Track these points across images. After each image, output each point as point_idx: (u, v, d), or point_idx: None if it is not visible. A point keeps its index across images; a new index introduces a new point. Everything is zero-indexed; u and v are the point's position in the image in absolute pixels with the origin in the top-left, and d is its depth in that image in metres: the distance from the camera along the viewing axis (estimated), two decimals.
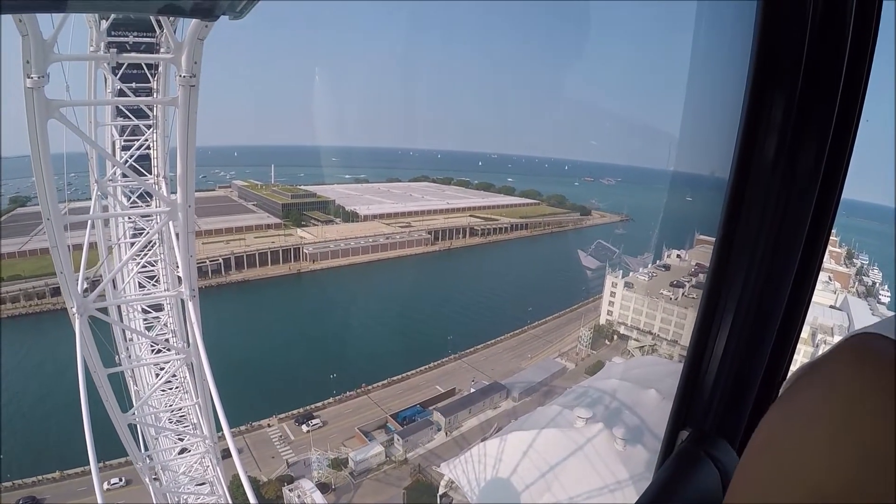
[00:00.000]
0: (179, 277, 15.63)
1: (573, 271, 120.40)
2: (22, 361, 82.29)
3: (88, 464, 13.16)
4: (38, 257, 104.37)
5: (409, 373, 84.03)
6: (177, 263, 15.52)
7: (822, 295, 78.41)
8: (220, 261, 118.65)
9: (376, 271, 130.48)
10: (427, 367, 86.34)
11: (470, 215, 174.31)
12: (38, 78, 10.34)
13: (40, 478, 59.47)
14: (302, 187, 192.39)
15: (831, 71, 2.64)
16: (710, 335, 3.31)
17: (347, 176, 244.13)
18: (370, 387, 79.68)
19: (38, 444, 62.84)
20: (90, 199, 19.84)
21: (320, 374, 77.21)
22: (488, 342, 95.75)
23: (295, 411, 73.30)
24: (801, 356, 65.14)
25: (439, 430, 69.57)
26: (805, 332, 68.51)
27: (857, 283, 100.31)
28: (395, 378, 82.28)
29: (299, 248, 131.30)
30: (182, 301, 15.92)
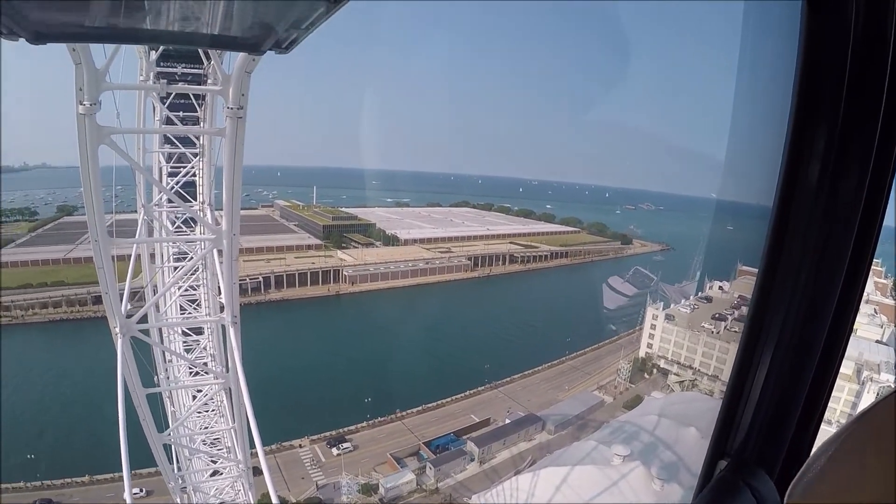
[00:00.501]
0: (222, 303, 15.69)
1: (613, 301, 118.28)
2: (62, 365, 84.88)
3: (115, 471, 13.56)
4: (82, 265, 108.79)
5: (444, 400, 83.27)
6: (219, 289, 15.61)
7: (868, 329, 74.79)
8: (261, 279, 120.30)
9: (415, 296, 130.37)
10: (463, 395, 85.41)
11: (510, 242, 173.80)
12: (91, 105, 10.57)
13: (69, 480, 60.41)
14: (343, 209, 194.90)
15: (872, 100, 2.65)
16: (751, 365, 3.34)
17: (389, 200, 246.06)
18: (404, 413, 79.03)
19: (70, 447, 64.12)
20: (136, 211, 21.11)
21: (355, 397, 77.21)
22: (525, 372, 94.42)
23: (327, 433, 73.05)
24: (846, 393, 62.47)
25: (472, 460, 68.52)
26: (850, 369, 65.66)
27: None
28: (429, 405, 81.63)
29: (339, 269, 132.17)
30: (223, 327, 15.99)
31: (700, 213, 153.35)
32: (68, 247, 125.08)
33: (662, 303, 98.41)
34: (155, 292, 24.11)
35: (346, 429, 74.17)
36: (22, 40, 3.15)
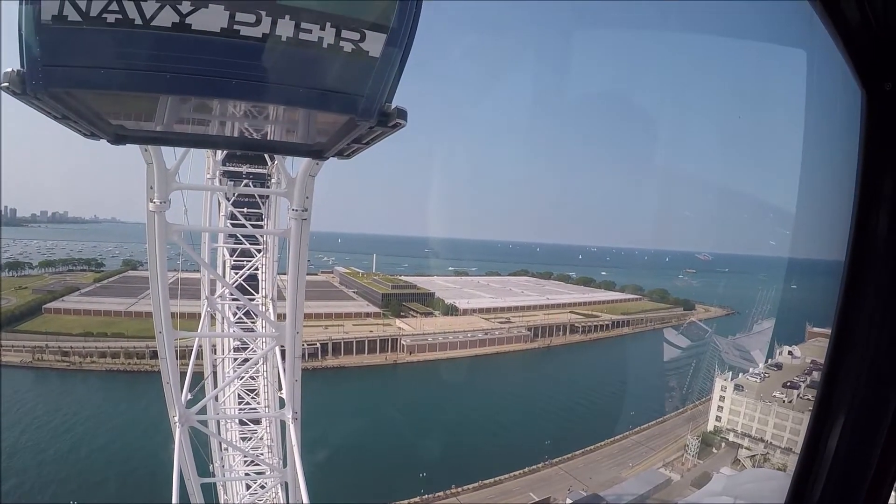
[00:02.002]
0: (281, 397, 15.99)
1: (678, 371, 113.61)
2: (114, 415, 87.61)
3: None
4: (142, 319, 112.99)
5: (501, 476, 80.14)
6: (280, 383, 15.98)
7: None
8: (318, 345, 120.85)
9: (474, 367, 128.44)
10: (521, 471, 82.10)
11: (570, 311, 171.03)
12: (161, 203, 11.24)
13: None
14: (402, 277, 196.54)
15: None
16: (820, 438, 3.27)
17: (450, 268, 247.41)
18: (460, 489, 76.44)
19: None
20: (198, 271, 22.59)
21: (410, 470, 75.27)
22: (587, 448, 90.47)
23: None
24: None
25: None
26: None
27: None
28: (486, 481, 78.62)
29: (397, 338, 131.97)
30: (283, 422, 16.24)
31: (762, 273, 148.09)
32: (131, 300, 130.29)
33: (731, 372, 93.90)
34: (215, 383, 24.64)
35: (397, 502, 71.96)
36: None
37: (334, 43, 3.14)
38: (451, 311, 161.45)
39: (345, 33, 3.14)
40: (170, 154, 11.70)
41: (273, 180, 18.36)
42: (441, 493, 74.83)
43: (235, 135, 4.19)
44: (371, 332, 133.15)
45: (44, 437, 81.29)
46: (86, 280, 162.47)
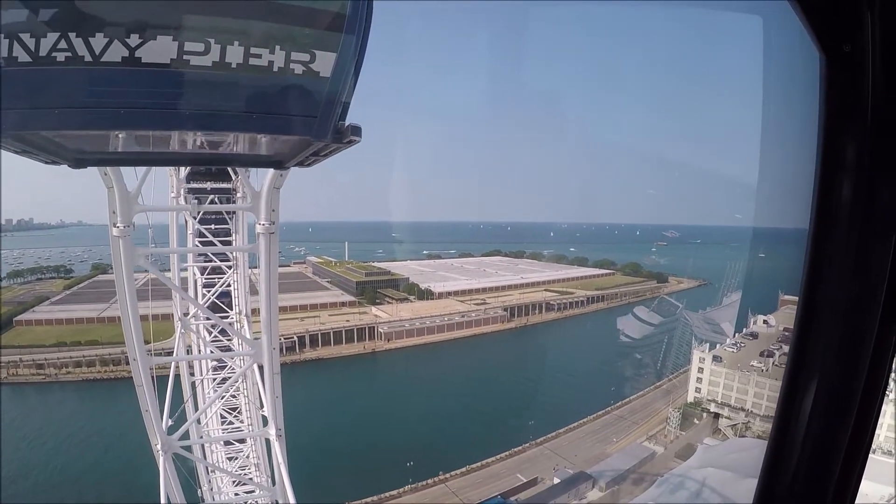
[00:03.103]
0: (264, 415, 15.78)
1: (655, 344, 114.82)
2: (91, 426, 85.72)
3: None
4: (116, 324, 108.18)
5: (488, 460, 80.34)
6: (261, 401, 15.78)
7: None
8: (295, 338, 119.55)
9: (452, 350, 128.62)
10: (507, 453, 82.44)
11: (545, 289, 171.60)
12: (125, 227, 11.03)
13: None
14: (375, 264, 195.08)
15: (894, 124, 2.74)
16: (793, 406, 3.29)
17: (425, 252, 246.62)
18: (448, 475, 76.41)
19: None
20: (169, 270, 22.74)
21: (396, 460, 74.90)
22: (571, 425, 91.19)
23: (368, 499, 70.89)
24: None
25: None
26: None
27: None
28: (473, 465, 78.74)
29: (374, 326, 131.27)
30: (268, 440, 15.95)
31: (733, 244, 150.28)
32: (102, 305, 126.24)
33: (708, 344, 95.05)
34: (195, 406, 24.17)
35: (388, 493, 71.77)
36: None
37: (284, 66, 3.15)
38: (426, 295, 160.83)
39: (294, 55, 3.16)
40: (131, 175, 11.61)
41: (238, 195, 18.30)
42: (430, 481, 74.67)
43: (196, 150, 4.07)
44: (347, 321, 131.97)
45: (21, 456, 78.90)
46: (56, 288, 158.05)
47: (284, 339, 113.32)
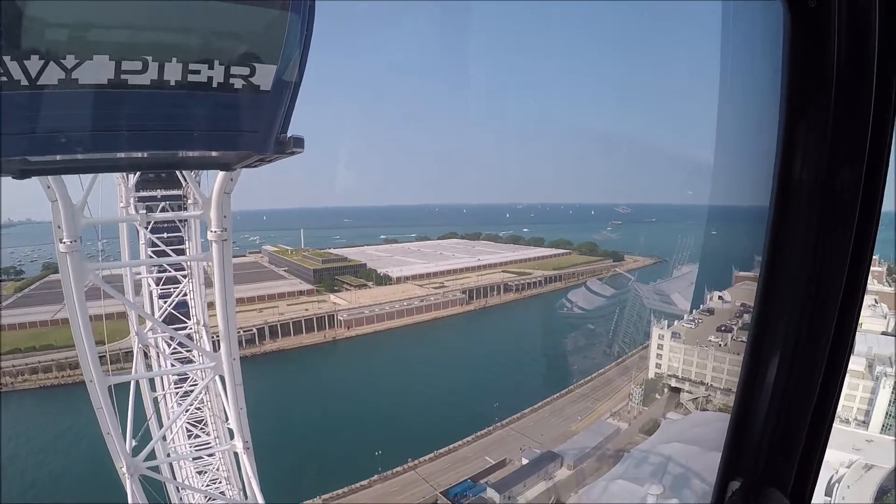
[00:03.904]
0: (230, 428, 15.26)
1: (614, 322, 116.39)
2: (53, 434, 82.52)
3: None
4: (70, 326, 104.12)
5: (455, 444, 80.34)
6: (226, 414, 15.18)
7: (873, 321, 73.52)
8: (255, 330, 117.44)
9: (413, 335, 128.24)
10: (473, 436, 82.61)
11: (502, 271, 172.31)
12: (72, 242, 10.53)
13: None
14: (332, 251, 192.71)
15: (861, 90, 2.67)
16: (756, 377, 3.31)
17: (382, 237, 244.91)
18: (417, 461, 76.03)
19: None
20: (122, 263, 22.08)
21: (364, 449, 74.15)
22: (535, 405, 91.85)
23: (340, 491, 69.94)
24: (861, 391, 61.16)
25: None
26: (861, 365, 64.24)
27: None
28: (441, 450, 78.64)
29: (333, 314, 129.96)
30: (237, 454, 15.32)
31: (688, 221, 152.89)
32: (55, 307, 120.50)
33: (666, 320, 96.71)
34: (159, 423, 23.57)
35: (358, 484, 71.03)
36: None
37: (224, 81, 3.07)
38: (384, 280, 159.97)
39: (234, 69, 3.08)
40: (75, 184, 11.17)
41: (190, 201, 17.97)
42: (399, 468, 74.22)
43: (144, 155, 3.88)
44: (306, 310, 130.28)
45: None
46: (6, 291, 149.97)
47: (243, 331, 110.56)
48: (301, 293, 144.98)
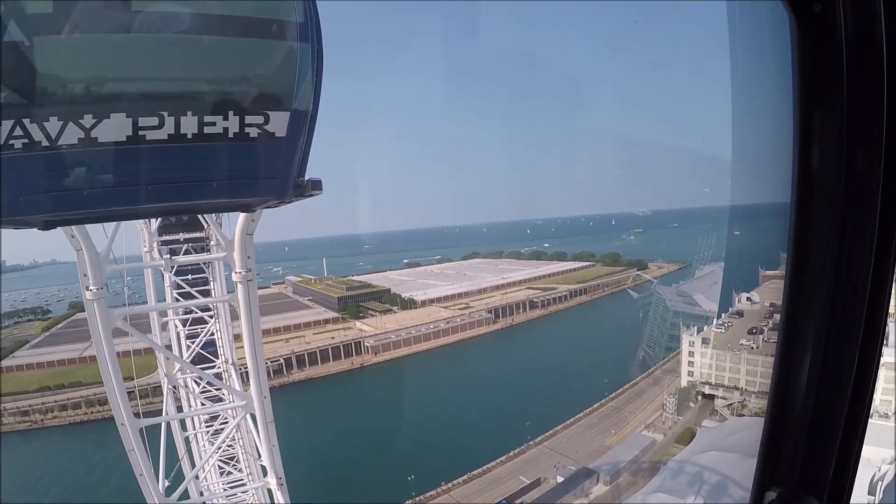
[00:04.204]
0: (263, 465, 15.19)
1: (641, 330, 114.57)
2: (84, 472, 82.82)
3: None
4: (97, 363, 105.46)
5: (489, 465, 79.27)
6: (258, 451, 15.24)
7: None
8: (282, 361, 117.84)
9: (441, 358, 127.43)
10: (507, 456, 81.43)
11: (527, 287, 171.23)
12: (98, 290, 10.68)
13: None
14: (355, 278, 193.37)
15: (874, 81, 2.65)
16: (787, 383, 3.26)
17: (405, 261, 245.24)
18: (450, 484, 75.12)
19: None
20: (146, 302, 22.43)
21: (397, 475, 73.65)
22: (567, 422, 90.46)
23: None
24: None
25: None
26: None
27: None
28: (475, 472, 77.58)
29: (360, 341, 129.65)
30: (270, 491, 15.39)
31: (709, 224, 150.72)
32: (83, 345, 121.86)
33: (695, 326, 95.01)
34: (191, 462, 23.44)
35: None
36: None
37: (240, 130, 3.13)
38: (409, 304, 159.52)
39: (248, 119, 3.14)
40: (99, 232, 11.52)
41: (212, 242, 18.36)
42: (433, 493, 73.44)
43: (161, 204, 3.85)
44: (333, 338, 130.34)
45: None
46: (34, 330, 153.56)
47: (271, 361, 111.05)
48: (327, 321, 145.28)
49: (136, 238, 20.28)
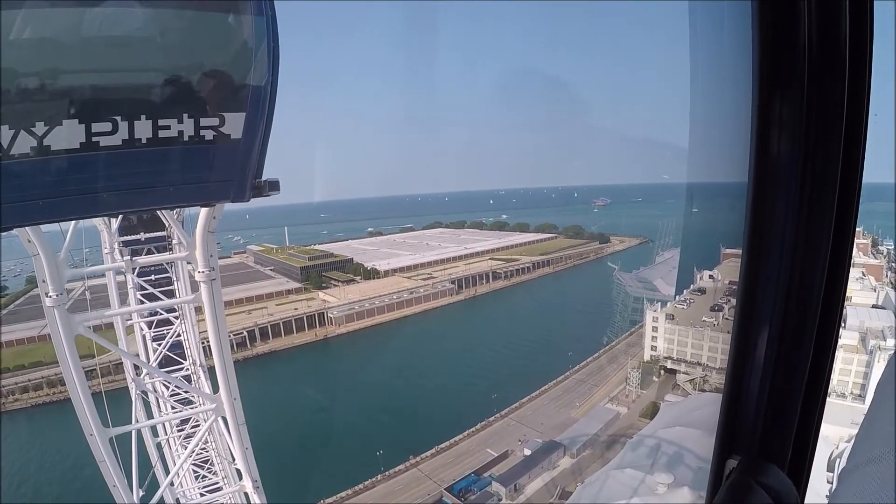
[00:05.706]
0: (238, 469, 14.92)
1: (604, 304, 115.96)
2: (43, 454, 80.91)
3: None
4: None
5: (456, 438, 79.84)
6: (232, 454, 14.92)
7: (862, 294, 73.67)
8: (245, 333, 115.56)
9: (405, 328, 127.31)
10: (473, 429, 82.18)
11: (490, 258, 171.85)
12: (58, 296, 10.19)
13: None
14: (317, 247, 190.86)
15: (834, 62, 2.65)
16: (746, 353, 3.30)
17: (369, 229, 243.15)
18: (418, 458, 75.47)
19: None
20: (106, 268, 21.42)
21: (364, 449, 73.49)
22: (532, 394, 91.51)
23: (343, 493, 69.18)
24: (856, 365, 61.44)
25: (500, 500, 65.48)
26: (854, 339, 64.47)
27: (890, 273, 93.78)
28: (442, 445, 78.06)
29: (323, 312, 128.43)
30: (247, 494, 15.20)
31: (671, 200, 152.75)
32: (42, 322, 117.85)
33: (659, 302, 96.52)
34: (165, 469, 22.59)
35: (362, 485, 70.32)
36: None
37: (194, 133, 3.07)
38: (372, 274, 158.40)
39: (203, 121, 3.08)
40: (55, 230, 11.11)
41: (174, 241, 17.92)
42: (401, 466, 73.69)
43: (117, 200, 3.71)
44: (296, 309, 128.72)
45: None
46: None
47: (234, 335, 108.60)
48: (289, 292, 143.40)
49: (95, 237, 19.72)
